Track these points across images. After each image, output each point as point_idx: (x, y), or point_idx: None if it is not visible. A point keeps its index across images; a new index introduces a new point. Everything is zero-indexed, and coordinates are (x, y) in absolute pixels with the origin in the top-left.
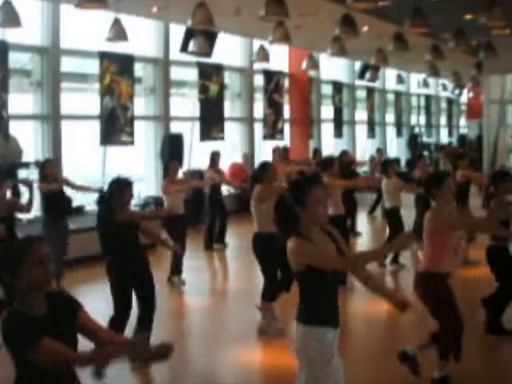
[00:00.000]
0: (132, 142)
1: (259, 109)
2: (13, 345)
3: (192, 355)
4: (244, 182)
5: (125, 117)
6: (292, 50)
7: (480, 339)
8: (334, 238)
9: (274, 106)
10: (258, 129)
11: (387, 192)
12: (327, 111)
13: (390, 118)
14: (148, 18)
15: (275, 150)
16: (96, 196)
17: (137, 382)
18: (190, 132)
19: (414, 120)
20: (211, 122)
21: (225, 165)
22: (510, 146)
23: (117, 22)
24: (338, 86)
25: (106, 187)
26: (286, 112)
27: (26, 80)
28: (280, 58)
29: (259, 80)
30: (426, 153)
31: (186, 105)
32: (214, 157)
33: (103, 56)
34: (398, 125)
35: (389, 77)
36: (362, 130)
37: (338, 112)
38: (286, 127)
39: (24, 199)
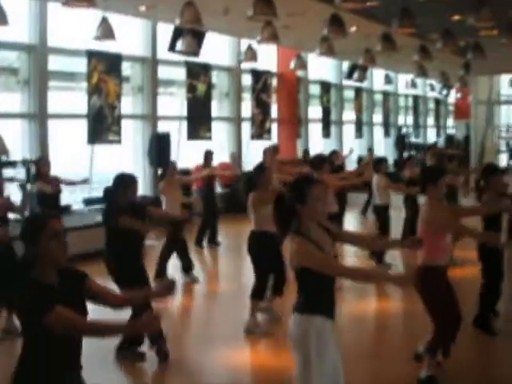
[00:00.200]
0: (119, 141)
1: (247, 108)
2: (28, 311)
3: (180, 356)
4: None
5: (112, 116)
6: (280, 49)
7: (467, 337)
8: (331, 232)
9: (261, 106)
10: (246, 128)
11: (377, 189)
12: (315, 111)
13: (378, 118)
14: (136, 16)
15: (266, 151)
16: (82, 193)
17: (128, 382)
18: (177, 131)
19: (401, 120)
20: (199, 121)
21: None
22: (498, 146)
23: (104, 21)
24: (325, 86)
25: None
26: (274, 112)
27: (13, 78)
28: (268, 57)
29: (247, 79)
30: (413, 153)
31: (173, 104)
32: (208, 155)
33: (91, 55)
34: (386, 125)
35: (377, 77)
36: (349, 130)
37: (325, 112)
38: (274, 127)
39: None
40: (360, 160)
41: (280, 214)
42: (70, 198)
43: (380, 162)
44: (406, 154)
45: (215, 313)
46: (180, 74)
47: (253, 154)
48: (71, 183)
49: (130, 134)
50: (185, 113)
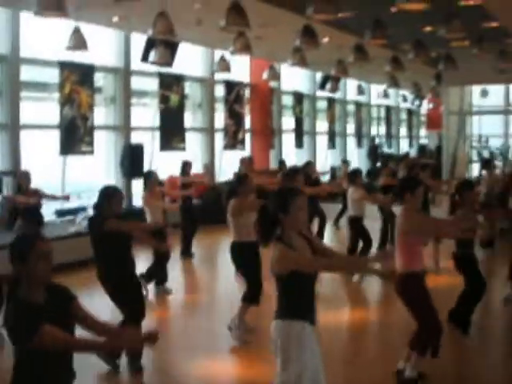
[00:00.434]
0: (92, 152)
1: (220, 119)
2: (15, 331)
3: (158, 368)
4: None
5: (85, 127)
6: (253, 60)
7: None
8: (311, 242)
9: (234, 117)
10: (219, 139)
11: (352, 200)
12: (288, 122)
13: (351, 128)
14: (109, 27)
15: (243, 161)
16: (54, 205)
17: None
18: (150, 142)
19: (374, 131)
20: (172, 132)
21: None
22: (469, 156)
23: (77, 31)
24: (298, 97)
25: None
26: (247, 122)
27: None
28: (241, 68)
29: (220, 90)
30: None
31: (146, 115)
32: (185, 166)
33: (63, 65)
34: (359, 135)
35: (349, 88)
36: (322, 141)
37: (298, 122)
38: (247, 137)
39: None
40: (333, 170)
41: (263, 222)
42: (42, 209)
43: (355, 173)
44: (378, 165)
45: (191, 324)
46: (153, 84)
47: (226, 165)
48: (52, 197)
49: (102, 145)
50: (158, 124)
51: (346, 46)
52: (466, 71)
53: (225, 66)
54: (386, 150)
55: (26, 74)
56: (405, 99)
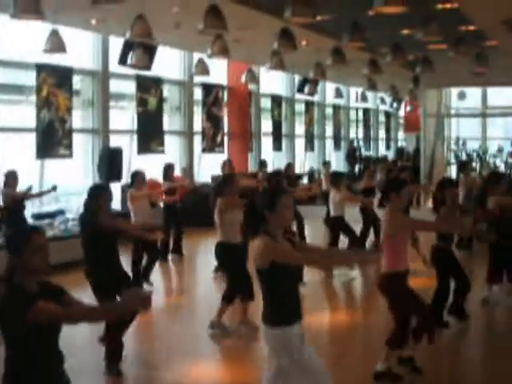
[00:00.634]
0: (70, 155)
1: (198, 122)
2: (10, 316)
3: (138, 373)
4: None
5: (63, 130)
6: (231, 63)
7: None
8: (295, 245)
9: (213, 120)
10: (198, 142)
11: (333, 202)
12: (266, 125)
13: (329, 131)
14: (86, 30)
15: (225, 164)
16: (32, 208)
17: None
18: (128, 145)
19: (352, 133)
20: (150, 135)
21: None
22: (447, 158)
23: (54, 34)
24: (277, 100)
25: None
26: (226, 125)
27: None
28: (220, 71)
29: (198, 93)
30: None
31: (124, 118)
32: (168, 169)
33: (40, 68)
34: (337, 138)
35: (328, 90)
36: (301, 144)
37: (277, 125)
38: (226, 140)
39: None
40: (312, 173)
41: (250, 218)
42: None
43: (337, 176)
44: (357, 167)
45: (172, 327)
46: (131, 87)
47: (205, 168)
48: (39, 194)
49: (80, 149)
50: (136, 127)
51: (324, 49)
52: (443, 74)
53: (203, 68)
54: (364, 152)
55: (3, 76)
56: (383, 102)
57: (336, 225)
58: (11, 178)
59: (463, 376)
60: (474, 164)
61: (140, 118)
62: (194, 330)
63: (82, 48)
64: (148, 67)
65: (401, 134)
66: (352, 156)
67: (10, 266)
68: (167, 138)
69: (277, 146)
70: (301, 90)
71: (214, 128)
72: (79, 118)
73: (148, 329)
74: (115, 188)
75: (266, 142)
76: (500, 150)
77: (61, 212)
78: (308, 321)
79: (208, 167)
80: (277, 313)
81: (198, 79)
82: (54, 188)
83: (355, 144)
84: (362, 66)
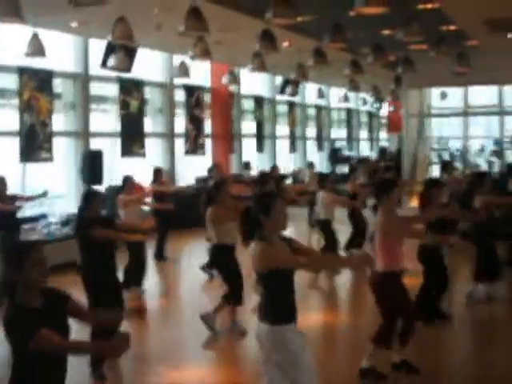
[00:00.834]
0: (51, 159)
1: (180, 124)
2: (14, 335)
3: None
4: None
5: (44, 133)
6: (213, 65)
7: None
8: (291, 244)
9: (195, 121)
10: (180, 144)
11: (323, 204)
12: (249, 126)
13: (312, 132)
14: (68, 32)
15: (213, 168)
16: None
17: None
18: (110, 148)
19: (334, 134)
20: (132, 137)
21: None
22: (430, 158)
23: (35, 37)
24: (259, 101)
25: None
26: (208, 127)
27: None
28: (201, 73)
29: (180, 95)
30: (355, 166)
31: (106, 121)
32: (157, 173)
33: (22, 71)
34: (319, 139)
35: (310, 91)
36: (283, 145)
37: (259, 127)
38: (208, 142)
39: None
40: (295, 174)
41: (246, 224)
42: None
43: (325, 178)
44: (339, 168)
45: (157, 330)
46: (113, 90)
47: (187, 170)
48: (30, 198)
49: (62, 152)
50: (118, 129)
51: (306, 50)
52: (424, 74)
53: (184, 70)
54: (346, 152)
55: None
56: (365, 102)
57: (324, 228)
58: (0, 183)
59: (449, 373)
60: (456, 163)
61: (122, 121)
62: (178, 333)
63: (63, 51)
64: (129, 69)
65: (383, 134)
66: (334, 157)
67: (9, 281)
68: (149, 141)
69: (259, 148)
70: (283, 91)
71: (196, 130)
72: (61, 121)
73: (134, 333)
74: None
75: (249, 144)
76: (482, 149)
77: (43, 216)
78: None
79: (190, 170)
80: (276, 312)
81: (179, 81)
82: (45, 193)
83: (337, 144)
84: (343, 67)
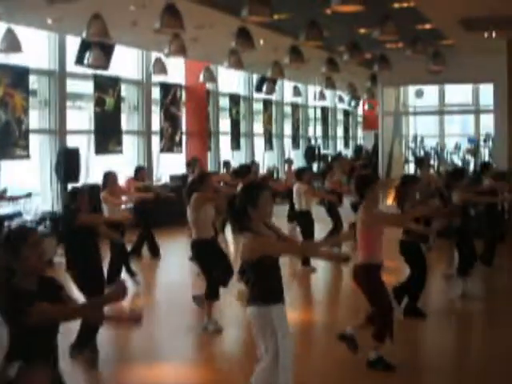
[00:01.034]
0: (27, 156)
1: (157, 122)
2: (11, 311)
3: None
4: None
5: (19, 130)
6: (189, 62)
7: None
8: (275, 230)
9: (171, 119)
10: (156, 142)
11: (299, 196)
12: (225, 124)
13: (288, 129)
14: (43, 29)
15: (194, 163)
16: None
17: None
18: (86, 146)
19: (311, 132)
20: (107, 135)
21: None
22: (405, 156)
23: (10, 33)
24: (235, 99)
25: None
26: (184, 125)
27: None
28: (177, 70)
29: (157, 93)
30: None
31: (82, 118)
32: (140, 171)
33: None
34: (295, 137)
35: (286, 89)
36: (260, 142)
37: (235, 124)
38: (184, 140)
39: None
40: (271, 171)
41: (233, 214)
42: None
43: (302, 171)
44: (316, 165)
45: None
46: (89, 87)
47: (163, 167)
48: (15, 198)
49: (37, 149)
50: (93, 127)
51: (282, 48)
52: (400, 72)
53: (161, 68)
54: (322, 150)
55: None
56: (341, 100)
57: (302, 219)
58: None
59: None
60: (431, 161)
61: (98, 118)
62: (154, 331)
63: (38, 47)
64: (105, 67)
65: (359, 132)
66: (310, 154)
67: (6, 266)
68: (125, 138)
69: (235, 145)
70: (259, 88)
71: (172, 127)
72: (36, 118)
73: (113, 331)
74: None
75: (225, 141)
76: (457, 147)
77: (18, 214)
78: None
79: (167, 167)
80: (264, 293)
81: (155, 78)
82: (29, 195)
83: (313, 142)
84: (319, 65)
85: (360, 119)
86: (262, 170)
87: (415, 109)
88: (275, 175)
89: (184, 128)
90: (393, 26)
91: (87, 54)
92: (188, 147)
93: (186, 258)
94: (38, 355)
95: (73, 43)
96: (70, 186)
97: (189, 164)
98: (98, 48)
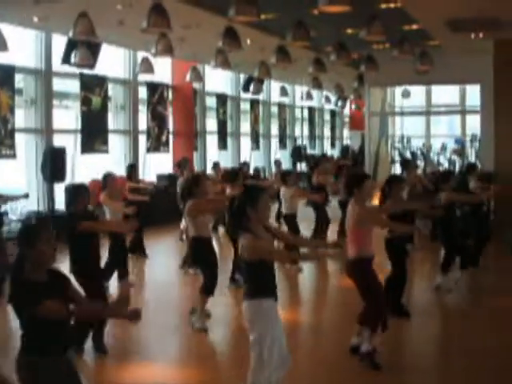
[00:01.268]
0: (13, 156)
1: (143, 121)
2: (20, 304)
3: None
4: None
5: (5, 129)
6: (176, 62)
7: None
8: (272, 232)
9: (157, 119)
10: (143, 141)
11: (285, 199)
12: (212, 123)
13: (275, 129)
14: (29, 27)
15: (185, 163)
16: None
17: None
18: (73, 145)
19: (297, 132)
20: (94, 134)
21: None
22: (391, 156)
23: None
24: (222, 99)
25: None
26: (171, 124)
27: None
28: (164, 69)
29: (143, 92)
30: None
31: (68, 117)
32: (131, 171)
33: None
34: (282, 137)
35: (273, 89)
36: (246, 142)
37: (222, 124)
38: (171, 139)
39: None
40: (258, 172)
41: (233, 217)
42: None
43: (288, 174)
44: (302, 165)
45: (116, 327)
46: (75, 86)
47: (149, 167)
48: (14, 198)
49: (23, 149)
50: (80, 126)
51: (269, 48)
52: (387, 73)
53: (148, 67)
54: (309, 150)
55: None
56: (328, 100)
57: (289, 222)
58: None
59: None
60: (418, 162)
61: (84, 117)
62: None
63: (24, 46)
64: (92, 66)
65: (346, 133)
66: (297, 154)
67: (20, 258)
68: (112, 138)
69: (222, 145)
70: (246, 88)
71: (158, 127)
72: (22, 117)
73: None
74: (59, 188)
75: (212, 141)
76: (444, 148)
77: (4, 213)
78: None
79: (153, 166)
80: (258, 288)
81: (142, 78)
82: (27, 195)
83: (299, 142)
84: (306, 65)
85: (347, 119)
86: (250, 171)
87: (402, 109)
88: (262, 175)
89: (171, 128)
90: (380, 27)
91: (74, 53)
92: (174, 147)
93: (172, 258)
94: (51, 345)
95: (59, 42)
96: (68, 185)
97: (179, 164)
98: (85, 47)
